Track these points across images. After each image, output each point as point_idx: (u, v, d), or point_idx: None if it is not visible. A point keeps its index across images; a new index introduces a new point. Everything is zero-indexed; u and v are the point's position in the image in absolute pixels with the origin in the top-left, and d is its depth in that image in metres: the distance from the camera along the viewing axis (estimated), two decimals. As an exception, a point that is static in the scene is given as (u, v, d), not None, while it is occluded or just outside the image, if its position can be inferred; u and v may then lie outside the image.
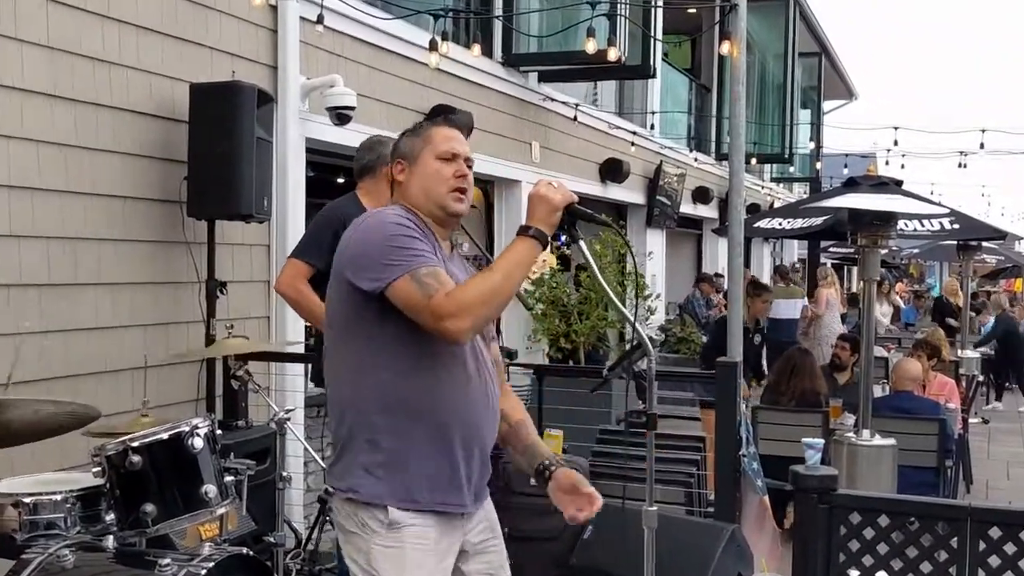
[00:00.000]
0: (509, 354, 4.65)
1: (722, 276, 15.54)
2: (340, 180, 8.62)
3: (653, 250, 13.65)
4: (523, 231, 2.64)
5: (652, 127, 13.67)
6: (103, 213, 5.05)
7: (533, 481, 2.88)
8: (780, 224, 9.98)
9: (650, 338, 2.85)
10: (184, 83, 5.38)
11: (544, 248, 2.65)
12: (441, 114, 7.88)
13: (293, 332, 6.29)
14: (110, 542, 3.34)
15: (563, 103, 10.69)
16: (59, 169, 4.80)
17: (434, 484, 2.65)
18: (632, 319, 2.78)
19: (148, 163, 5.32)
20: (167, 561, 3.21)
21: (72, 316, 4.86)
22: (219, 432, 3.65)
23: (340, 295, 2.68)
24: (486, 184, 9.85)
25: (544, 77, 10.24)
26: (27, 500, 3.37)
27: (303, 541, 5.22)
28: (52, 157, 4.76)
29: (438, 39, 7.17)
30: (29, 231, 4.64)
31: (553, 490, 2.80)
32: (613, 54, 7.95)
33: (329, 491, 2.72)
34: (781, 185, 23.67)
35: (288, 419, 4.37)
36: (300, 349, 6.14)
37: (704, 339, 11.94)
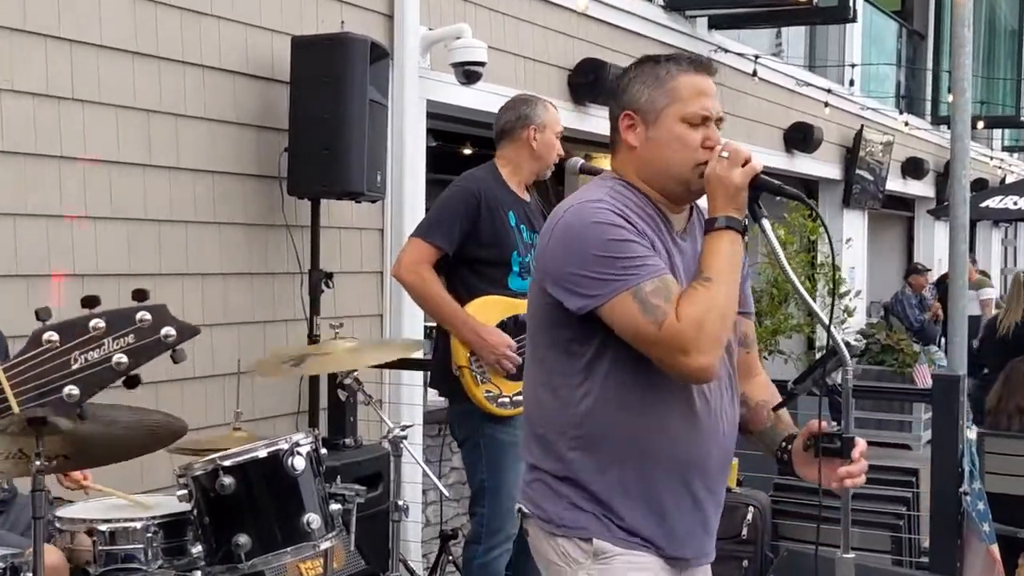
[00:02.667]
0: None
1: (929, 269, 15.20)
2: (467, 151, 8.70)
3: (852, 236, 13.38)
4: (710, 225, 2.57)
5: (851, 83, 13.39)
6: (190, 191, 5.20)
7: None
8: (1015, 203, 9.68)
9: (847, 344, 2.77)
10: (285, 36, 5.49)
11: (743, 235, 2.59)
12: (593, 71, 7.88)
13: (411, 333, 6.36)
14: (197, 578, 3.46)
15: (739, 55, 10.56)
16: (141, 139, 4.96)
17: (648, 529, 2.64)
18: (826, 320, 2.71)
19: (242, 131, 5.46)
20: (263, 603, 3.29)
21: (155, 312, 5.01)
22: (324, 451, 3.72)
23: (538, 300, 2.67)
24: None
25: (715, 23, 10.13)
26: (103, 527, 3.49)
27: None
28: (133, 125, 4.92)
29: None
30: (107, 212, 4.81)
31: (800, 466, 2.74)
32: (803, -8, 7.81)
33: (523, 511, 2.76)
34: (1015, 155, 22.89)
35: (405, 437, 4.41)
36: (419, 354, 6.21)
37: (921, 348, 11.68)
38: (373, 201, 5.77)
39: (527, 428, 2.77)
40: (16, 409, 1.26)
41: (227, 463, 3.42)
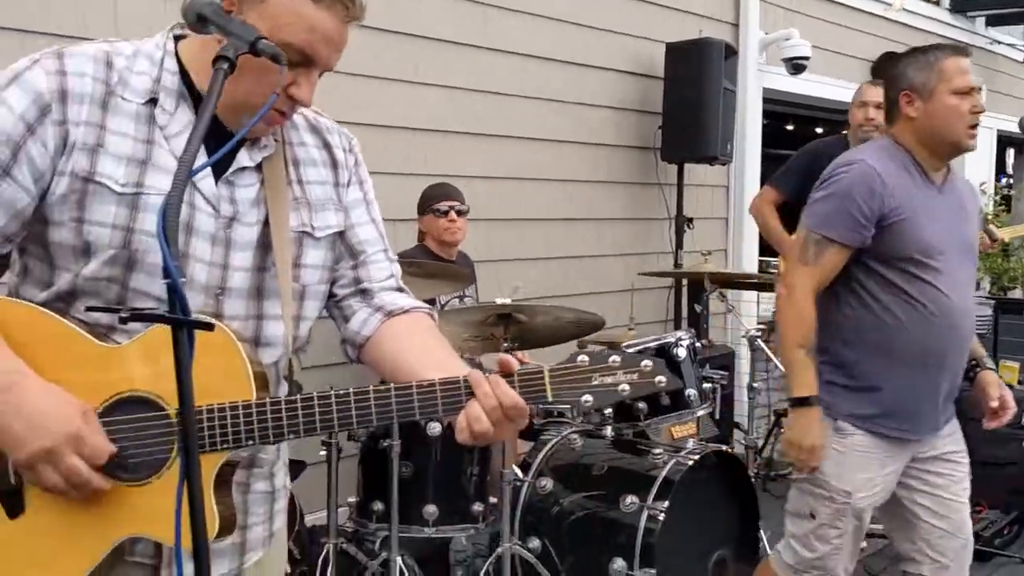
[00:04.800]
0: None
1: None
2: (790, 127, 8.35)
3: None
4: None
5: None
6: (591, 159, 5.25)
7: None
8: None
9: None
10: (659, 43, 5.42)
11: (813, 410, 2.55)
12: (889, 61, 7.34)
13: (748, 264, 6.21)
14: (608, 431, 3.51)
15: (1010, 46, 9.56)
16: (559, 122, 5.04)
17: (891, 413, 2.56)
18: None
19: (627, 115, 5.44)
20: (659, 451, 3.30)
21: (568, 245, 5.13)
22: (698, 345, 3.68)
23: None
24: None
25: (991, 21, 9.23)
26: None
27: (759, 449, 5.18)
28: (548, 111, 5.00)
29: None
30: (536, 174, 4.94)
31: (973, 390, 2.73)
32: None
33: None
34: None
35: (759, 336, 4.30)
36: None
37: None
38: (723, 164, 5.64)
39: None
40: (550, 398, 1.40)
41: (632, 351, 3.43)
